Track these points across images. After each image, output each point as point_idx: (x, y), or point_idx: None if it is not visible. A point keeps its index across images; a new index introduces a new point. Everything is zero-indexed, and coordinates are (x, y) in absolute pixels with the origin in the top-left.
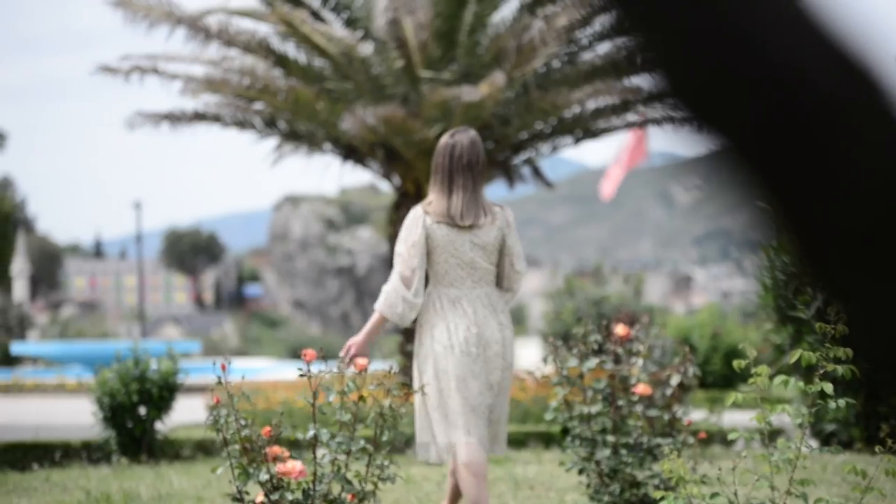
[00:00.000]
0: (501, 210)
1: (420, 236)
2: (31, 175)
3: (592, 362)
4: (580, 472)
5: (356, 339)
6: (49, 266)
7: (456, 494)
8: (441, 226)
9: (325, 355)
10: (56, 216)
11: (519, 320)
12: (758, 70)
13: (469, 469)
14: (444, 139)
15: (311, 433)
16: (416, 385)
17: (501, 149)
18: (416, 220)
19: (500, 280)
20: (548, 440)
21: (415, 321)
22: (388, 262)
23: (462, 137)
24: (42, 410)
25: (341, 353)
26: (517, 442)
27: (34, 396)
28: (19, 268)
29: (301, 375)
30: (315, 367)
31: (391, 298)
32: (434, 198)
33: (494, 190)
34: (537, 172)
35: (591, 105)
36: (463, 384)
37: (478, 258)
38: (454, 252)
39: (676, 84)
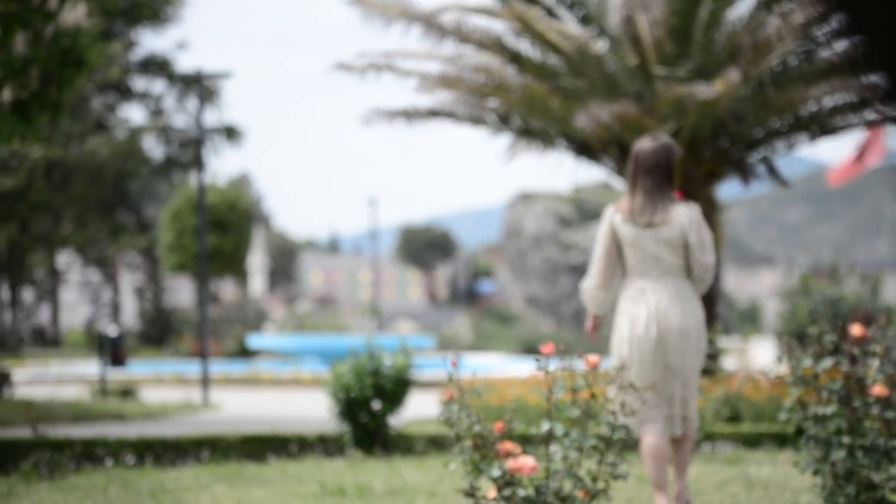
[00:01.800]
0: (687, 209)
1: (606, 233)
2: (268, 171)
3: (828, 363)
4: (815, 473)
5: (587, 324)
6: (285, 261)
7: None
8: (627, 223)
9: (564, 350)
10: (292, 212)
11: (753, 319)
12: None
13: (649, 453)
14: (634, 144)
15: (545, 428)
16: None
17: (736, 146)
18: (605, 218)
19: (689, 272)
20: (782, 440)
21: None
22: None
23: (647, 143)
24: (278, 403)
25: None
26: (751, 441)
27: (271, 389)
28: (258, 263)
29: (539, 369)
30: (552, 363)
31: (583, 290)
32: (624, 197)
33: (728, 188)
34: (772, 170)
35: (829, 102)
36: (642, 370)
37: (662, 253)
38: (640, 247)
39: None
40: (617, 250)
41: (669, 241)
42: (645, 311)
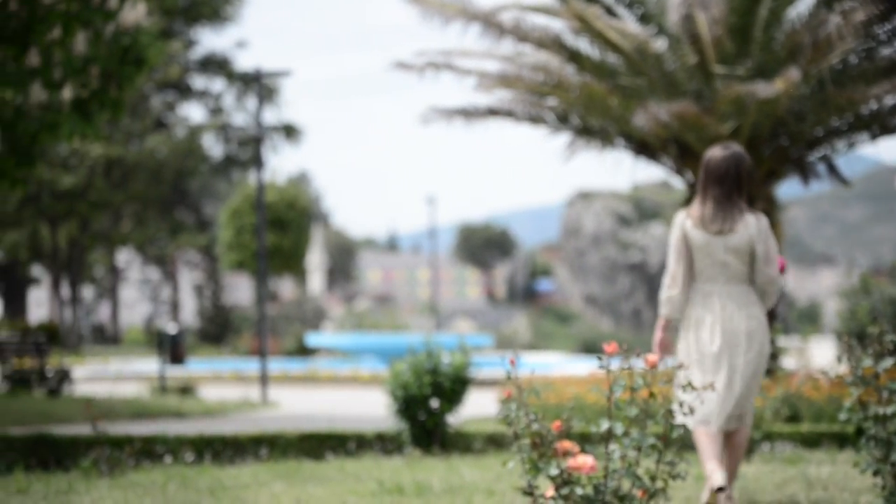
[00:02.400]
0: (756, 219)
1: (679, 239)
2: (327, 169)
3: (888, 362)
4: (875, 473)
5: (655, 338)
6: (344, 259)
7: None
8: (697, 230)
9: (627, 349)
10: (351, 210)
11: (813, 319)
12: None
13: (704, 455)
14: (706, 152)
15: (604, 427)
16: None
17: (796, 145)
18: (677, 224)
19: (752, 279)
20: (842, 440)
21: None
22: None
23: (717, 152)
24: (336, 401)
25: (655, 350)
26: (811, 441)
27: (329, 387)
28: (316, 261)
29: (601, 367)
30: (613, 362)
31: (660, 295)
32: (695, 204)
33: (788, 187)
34: (832, 169)
35: (889, 101)
36: (704, 373)
37: (730, 259)
38: (709, 253)
39: None
40: (689, 255)
41: (737, 249)
42: (710, 315)
